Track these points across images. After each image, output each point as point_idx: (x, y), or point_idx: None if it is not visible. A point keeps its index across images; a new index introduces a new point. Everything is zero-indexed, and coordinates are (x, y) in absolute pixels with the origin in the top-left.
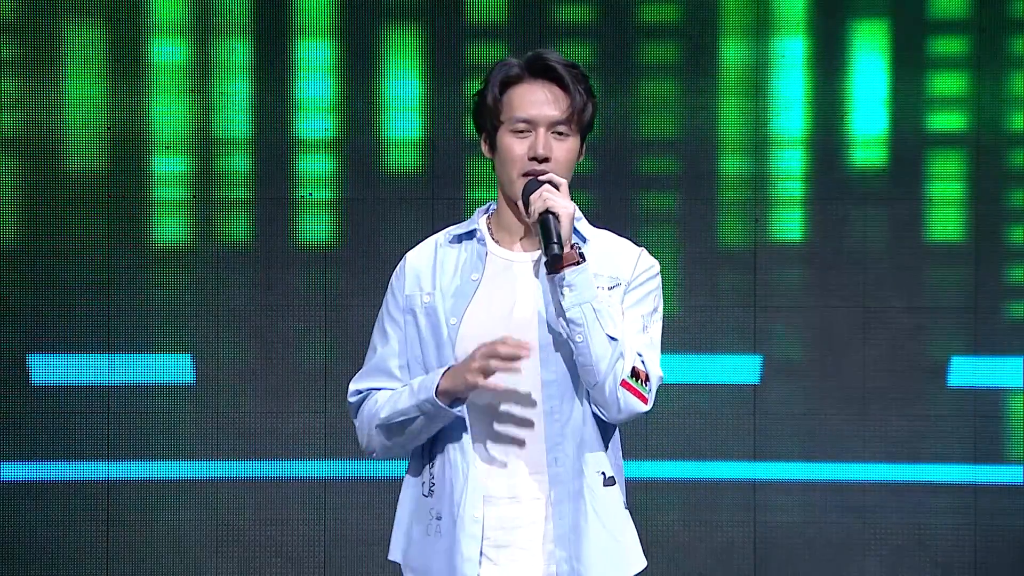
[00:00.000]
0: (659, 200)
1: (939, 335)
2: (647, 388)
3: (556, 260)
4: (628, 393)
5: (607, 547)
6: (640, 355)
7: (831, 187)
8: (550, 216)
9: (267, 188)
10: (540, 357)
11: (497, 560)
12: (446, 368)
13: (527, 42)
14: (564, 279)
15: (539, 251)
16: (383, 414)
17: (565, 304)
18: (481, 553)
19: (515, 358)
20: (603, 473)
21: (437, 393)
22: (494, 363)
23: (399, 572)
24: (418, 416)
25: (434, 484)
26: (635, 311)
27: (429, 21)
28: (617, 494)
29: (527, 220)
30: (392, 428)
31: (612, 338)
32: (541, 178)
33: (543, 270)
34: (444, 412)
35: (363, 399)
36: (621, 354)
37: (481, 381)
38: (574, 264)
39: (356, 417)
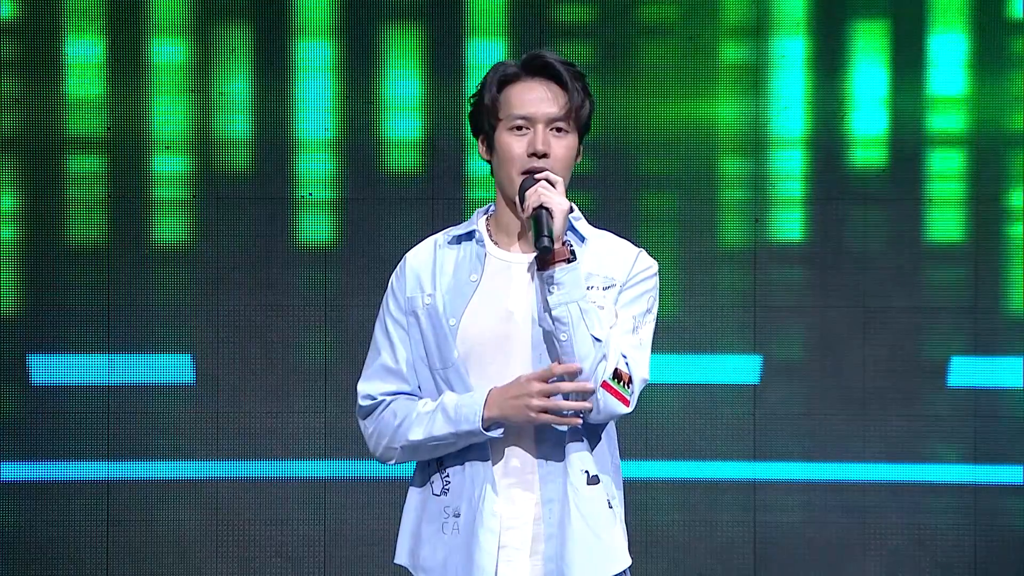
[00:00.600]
0: (659, 200)
1: (939, 335)
2: (629, 390)
3: (546, 253)
4: (608, 395)
5: (590, 546)
6: (624, 357)
7: (831, 187)
8: (543, 211)
9: (267, 188)
10: (532, 356)
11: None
12: (486, 395)
13: (527, 42)
14: (553, 277)
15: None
16: (414, 436)
17: (552, 302)
18: (499, 547)
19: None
20: (587, 472)
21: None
22: (562, 404)
23: (405, 574)
24: (454, 441)
25: (449, 482)
26: (628, 311)
27: (429, 21)
28: (601, 493)
29: (523, 217)
30: (422, 449)
31: (596, 339)
32: (538, 176)
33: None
34: (487, 438)
35: (376, 406)
36: (604, 356)
37: (546, 419)
38: (564, 261)
39: (367, 420)
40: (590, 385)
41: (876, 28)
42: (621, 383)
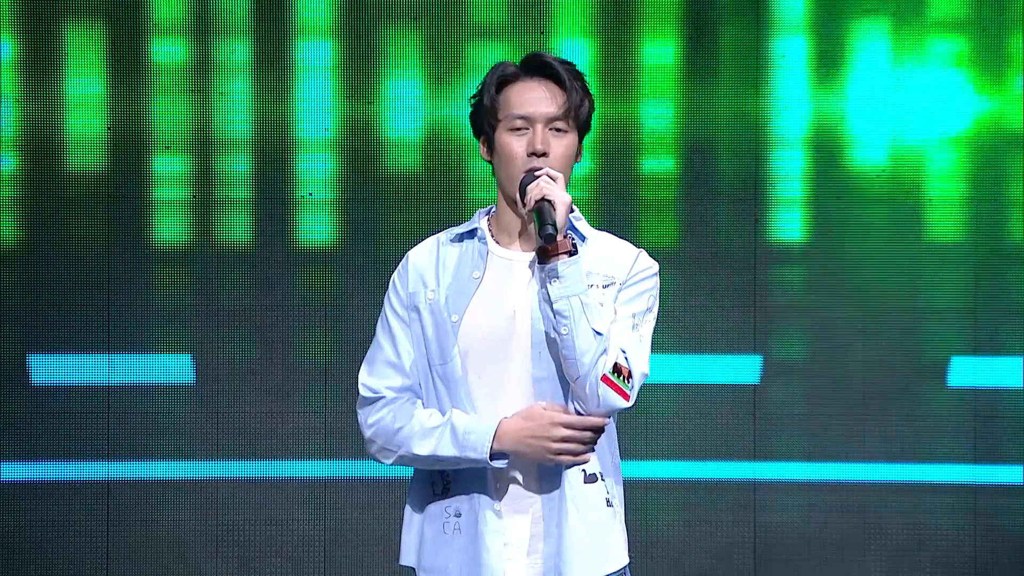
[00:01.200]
0: (659, 200)
1: (939, 335)
2: (629, 385)
3: (550, 240)
4: (608, 389)
5: (587, 544)
6: (624, 351)
7: (831, 187)
8: (546, 203)
9: (267, 188)
10: (532, 355)
11: None
12: (496, 425)
13: (527, 42)
14: (556, 270)
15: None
16: (418, 450)
17: (553, 295)
18: (504, 545)
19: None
20: (584, 470)
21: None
22: (576, 448)
23: (406, 574)
24: (457, 463)
25: (449, 483)
26: (627, 308)
27: (429, 21)
28: (599, 491)
29: (524, 213)
30: (422, 462)
31: (597, 332)
32: (538, 173)
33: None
34: (491, 467)
35: (377, 399)
36: (605, 350)
37: (561, 460)
38: (566, 254)
39: (366, 411)
40: (605, 421)
41: (876, 28)
42: (621, 377)
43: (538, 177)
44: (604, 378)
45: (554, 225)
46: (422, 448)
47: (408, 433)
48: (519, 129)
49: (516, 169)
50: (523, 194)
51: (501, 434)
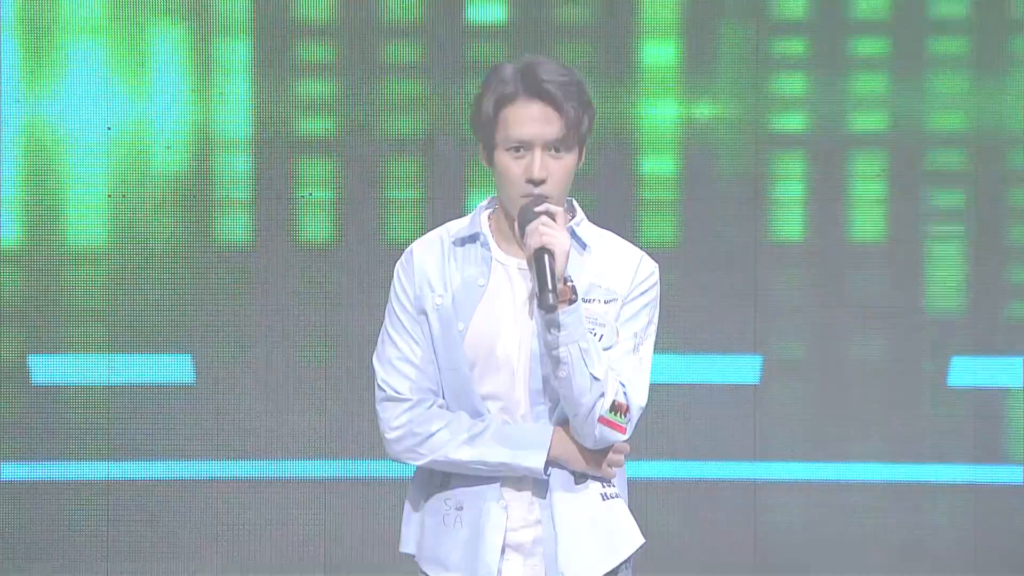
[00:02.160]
0: (659, 199)
1: (939, 335)
2: (626, 419)
3: (550, 310)
4: (604, 427)
5: (583, 546)
6: (623, 385)
7: (831, 187)
8: (545, 255)
9: (267, 188)
10: (530, 367)
11: None
12: (551, 434)
13: (527, 42)
14: (556, 320)
15: None
16: (458, 456)
17: (552, 343)
18: (504, 545)
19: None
20: (573, 472)
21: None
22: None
23: (410, 565)
24: (500, 470)
25: (449, 476)
26: (629, 327)
27: (429, 21)
28: (593, 487)
29: (524, 253)
30: (461, 467)
31: (595, 378)
32: (537, 209)
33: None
34: (535, 476)
35: (401, 402)
36: (602, 393)
37: (613, 472)
38: (566, 302)
39: (389, 413)
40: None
41: (877, 28)
42: (618, 415)
43: (538, 215)
44: (601, 419)
45: (554, 290)
46: (463, 453)
47: (445, 438)
48: (517, 151)
49: (515, 191)
50: (523, 230)
51: (556, 442)
